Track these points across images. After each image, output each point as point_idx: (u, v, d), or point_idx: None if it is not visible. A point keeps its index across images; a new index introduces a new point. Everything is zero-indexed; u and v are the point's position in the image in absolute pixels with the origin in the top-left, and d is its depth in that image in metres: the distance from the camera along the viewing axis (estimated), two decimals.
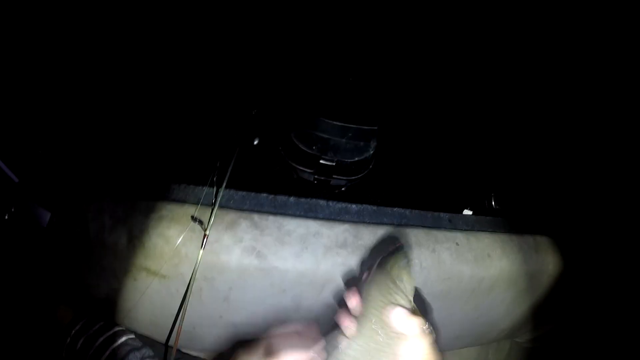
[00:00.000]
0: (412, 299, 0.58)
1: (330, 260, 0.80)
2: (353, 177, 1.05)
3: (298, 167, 1.03)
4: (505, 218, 1.03)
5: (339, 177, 1.02)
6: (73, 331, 0.98)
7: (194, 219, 0.79)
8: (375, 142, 1.04)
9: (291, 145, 1.03)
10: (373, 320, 0.56)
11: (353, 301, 0.60)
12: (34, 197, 1.02)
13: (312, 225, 0.81)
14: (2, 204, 1.08)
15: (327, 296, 0.83)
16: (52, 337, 1.01)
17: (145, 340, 0.98)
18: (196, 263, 0.76)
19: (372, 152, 1.04)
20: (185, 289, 0.81)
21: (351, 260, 0.81)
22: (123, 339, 0.95)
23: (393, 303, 0.56)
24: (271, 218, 0.80)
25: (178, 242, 0.78)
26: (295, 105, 1.03)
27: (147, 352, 0.93)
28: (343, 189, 1.05)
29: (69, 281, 0.99)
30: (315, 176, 1.03)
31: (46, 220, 1.03)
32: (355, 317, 0.58)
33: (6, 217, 1.11)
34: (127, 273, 0.85)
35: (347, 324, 0.57)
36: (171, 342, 0.95)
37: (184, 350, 1.03)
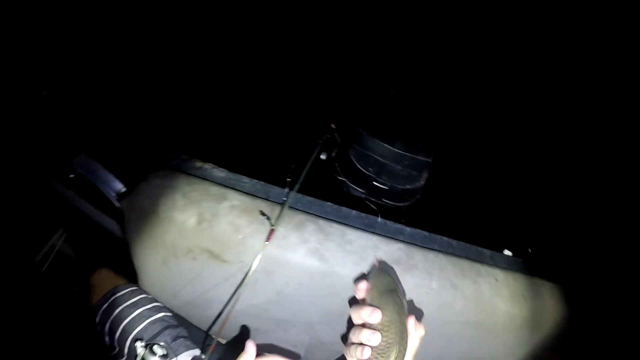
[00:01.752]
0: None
1: None
2: (401, 204, 1.09)
3: (351, 184, 1.07)
4: (541, 264, 1.07)
5: (388, 201, 1.06)
6: (113, 297, 1.01)
7: (263, 213, 0.83)
8: (427, 173, 1.08)
9: (348, 163, 1.07)
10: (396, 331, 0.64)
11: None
12: (104, 162, 1.08)
13: (371, 239, 0.85)
14: (69, 164, 1.13)
15: None
16: (87, 301, 1.05)
17: (183, 322, 1.02)
18: (259, 253, 0.80)
19: (423, 182, 1.08)
20: (243, 276, 0.85)
21: (403, 277, 0.85)
22: (161, 314, 0.99)
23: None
24: (335, 226, 0.84)
25: (246, 232, 0.82)
26: (358, 125, 1.07)
27: (182, 331, 0.97)
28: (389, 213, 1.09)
29: (124, 250, 1.04)
30: (366, 196, 1.07)
31: (112, 185, 1.08)
32: None
33: (72, 176, 1.17)
34: (189, 252, 0.89)
35: None
36: (213, 329, 0.99)
37: (219, 339, 1.07)
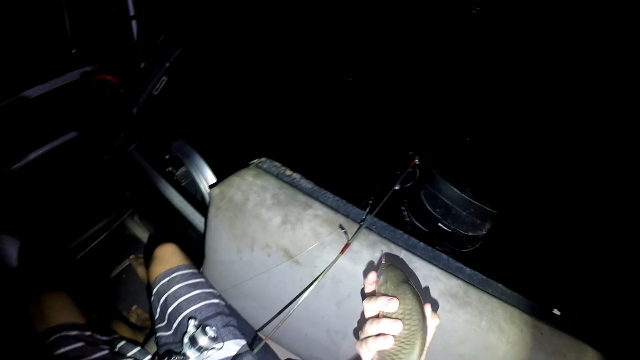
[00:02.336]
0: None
1: (440, 304, 0.90)
2: (459, 250, 1.15)
3: (416, 222, 1.15)
4: (588, 330, 1.09)
5: (448, 244, 1.13)
6: (175, 273, 1.07)
7: (342, 227, 0.92)
8: (490, 224, 1.14)
9: (417, 201, 1.15)
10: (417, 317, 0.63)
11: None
12: (200, 150, 1.20)
13: (434, 270, 0.92)
14: (167, 146, 1.26)
15: None
16: (150, 270, 1.14)
17: (234, 313, 1.09)
18: (332, 261, 0.89)
19: (484, 232, 1.14)
20: (312, 280, 0.94)
21: (456, 310, 0.91)
22: (216, 300, 1.03)
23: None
24: (404, 252, 0.92)
25: (325, 240, 0.91)
26: (433, 167, 1.15)
27: (232, 320, 1.02)
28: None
29: (194, 234, 1.14)
30: (428, 235, 1.14)
31: (204, 172, 1.19)
32: None
33: (167, 157, 1.29)
34: (266, 247, 0.99)
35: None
36: (265, 328, 1.05)
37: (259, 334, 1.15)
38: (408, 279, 0.69)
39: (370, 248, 0.91)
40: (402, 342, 0.60)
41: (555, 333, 1.04)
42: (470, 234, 1.10)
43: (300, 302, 0.92)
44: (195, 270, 1.14)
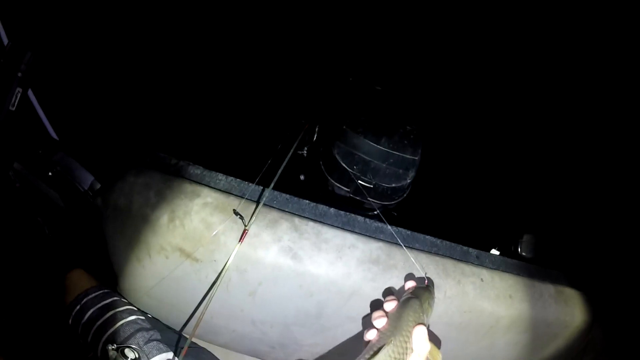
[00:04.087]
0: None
1: (361, 274, 0.79)
2: (387, 203, 1.04)
3: (335, 183, 1.03)
4: (530, 264, 1.02)
5: (373, 200, 1.02)
6: (85, 299, 0.98)
7: (236, 212, 0.79)
8: (414, 172, 1.03)
9: (332, 161, 1.02)
10: (403, 334, 0.61)
11: (380, 319, 0.66)
12: (80, 158, 1.04)
13: (349, 238, 0.81)
14: (48, 161, 1.09)
15: (351, 308, 0.81)
16: (60, 301, 1.01)
17: (156, 325, 0.97)
18: (232, 253, 0.76)
19: (409, 181, 1.04)
20: (216, 276, 0.81)
21: (380, 277, 0.80)
22: (133, 317, 0.95)
23: (421, 324, 0.63)
24: (311, 224, 0.80)
25: (218, 230, 0.78)
26: (342, 123, 1.03)
27: (155, 334, 0.93)
28: (376, 212, 1.05)
29: (96, 249, 1.00)
30: (351, 195, 1.02)
31: (88, 183, 1.04)
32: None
33: (50, 174, 1.13)
34: (161, 250, 0.85)
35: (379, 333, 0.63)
36: (187, 330, 0.94)
37: (194, 340, 1.03)
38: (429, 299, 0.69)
39: (270, 228, 0.78)
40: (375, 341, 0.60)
41: (496, 276, 0.96)
42: (394, 185, 0.99)
43: (210, 302, 0.79)
44: (106, 290, 1.01)
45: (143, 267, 0.91)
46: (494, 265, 0.98)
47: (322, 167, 1.04)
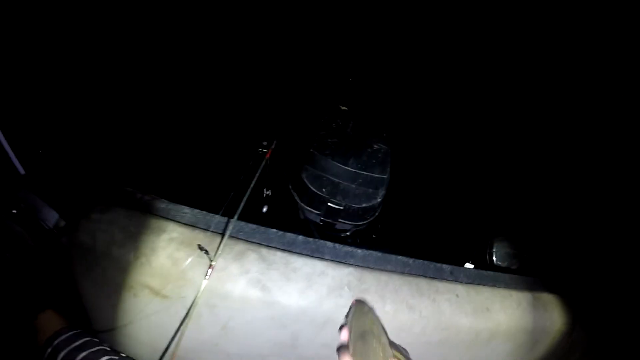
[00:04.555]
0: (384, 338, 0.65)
1: (333, 301, 0.77)
2: (359, 223, 1.03)
3: (306, 207, 1.02)
4: (505, 274, 1.02)
5: (345, 221, 1.01)
6: (57, 341, 0.94)
7: (201, 247, 0.77)
8: (383, 190, 1.03)
9: (301, 186, 1.02)
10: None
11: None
12: (45, 196, 1.01)
13: (318, 265, 0.80)
14: (13, 198, 1.05)
15: (326, 335, 0.80)
16: (32, 343, 0.97)
17: None
18: (200, 288, 0.74)
19: (379, 199, 1.03)
20: (186, 312, 0.78)
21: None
22: (106, 358, 0.91)
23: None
24: (279, 254, 0.79)
25: (185, 265, 0.76)
26: (310, 146, 1.02)
27: None
28: (348, 233, 1.04)
29: (66, 289, 0.97)
30: (322, 218, 1.01)
31: (53, 221, 1.00)
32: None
33: (15, 211, 1.09)
34: (129, 289, 0.82)
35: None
36: None
37: None
38: (372, 326, 0.65)
39: (237, 260, 0.76)
40: None
41: (472, 290, 0.95)
42: (364, 205, 0.98)
43: (182, 338, 0.77)
44: (78, 331, 0.96)
45: (112, 307, 0.89)
46: (469, 280, 0.98)
47: (292, 191, 1.03)
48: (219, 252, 0.74)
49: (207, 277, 0.73)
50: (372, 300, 0.80)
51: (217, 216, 0.80)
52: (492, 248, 1.10)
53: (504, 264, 1.12)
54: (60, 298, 0.99)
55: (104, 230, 0.82)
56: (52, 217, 0.97)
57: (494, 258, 1.10)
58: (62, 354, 0.89)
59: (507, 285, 1.03)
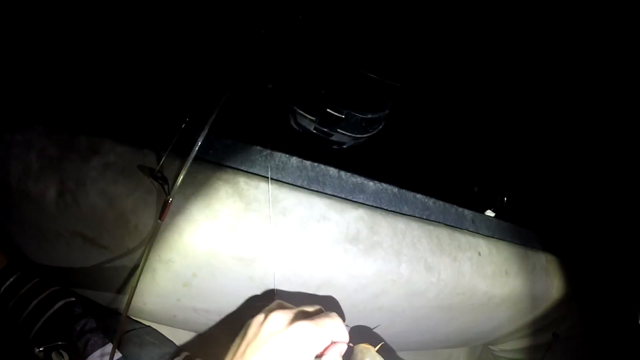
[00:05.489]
0: None
1: (334, 259, 0.57)
2: (359, 136, 0.80)
3: (299, 110, 0.77)
4: (522, 228, 0.85)
5: (344, 132, 0.77)
6: (3, 287, 0.73)
7: (153, 173, 0.53)
8: (392, 101, 0.80)
9: (298, 81, 0.77)
10: None
11: None
12: None
13: (318, 206, 0.57)
14: None
15: (320, 299, 0.61)
16: None
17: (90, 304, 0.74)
18: (150, 238, 0.52)
19: (387, 111, 0.80)
20: (132, 266, 0.57)
21: (361, 262, 0.59)
22: (60, 303, 0.71)
23: None
24: (262, 186, 0.56)
25: (126, 206, 0.53)
26: (309, 39, 0.76)
27: (88, 322, 0.70)
28: (344, 146, 0.81)
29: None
30: (317, 126, 0.78)
31: None
32: None
33: None
34: (58, 236, 0.60)
35: None
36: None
37: (135, 318, 0.80)
38: None
39: (202, 197, 0.53)
40: None
41: (493, 247, 0.78)
42: (369, 115, 0.75)
43: (133, 293, 0.55)
44: (19, 273, 0.76)
45: (46, 252, 0.67)
46: (489, 232, 0.80)
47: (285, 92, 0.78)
48: (178, 182, 0.50)
49: (161, 219, 0.50)
50: (384, 259, 0.60)
51: (177, 129, 0.55)
52: (505, 194, 0.92)
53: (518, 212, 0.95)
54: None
55: (17, 155, 0.57)
56: None
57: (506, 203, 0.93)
58: (12, 302, 0.71)
59: (525, 242, 0.87)
